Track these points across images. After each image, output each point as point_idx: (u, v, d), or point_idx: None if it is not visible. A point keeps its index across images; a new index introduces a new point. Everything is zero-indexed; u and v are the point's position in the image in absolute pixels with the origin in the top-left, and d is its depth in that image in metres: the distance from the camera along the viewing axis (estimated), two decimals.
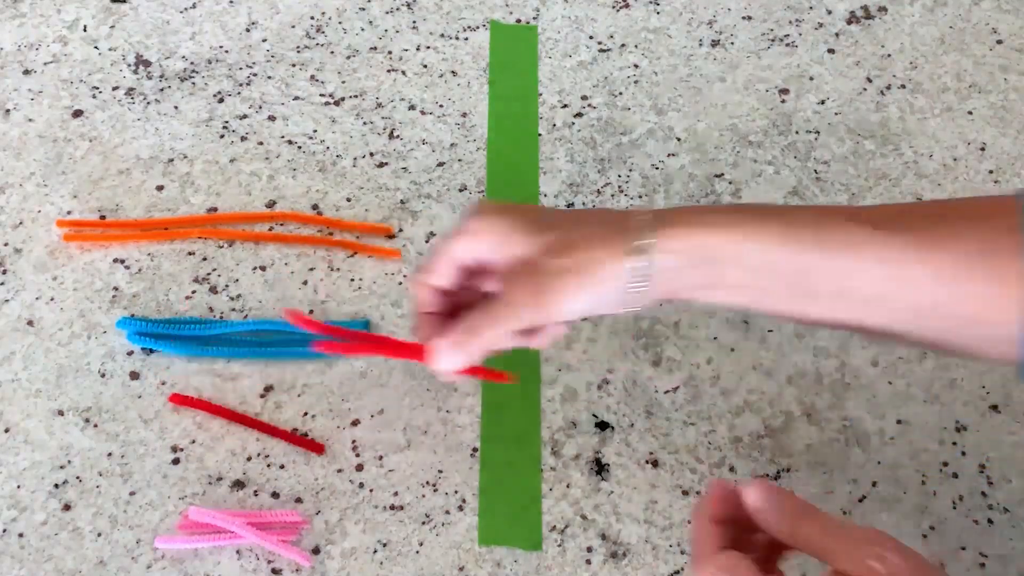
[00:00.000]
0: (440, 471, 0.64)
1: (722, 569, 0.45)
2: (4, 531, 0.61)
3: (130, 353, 0.68)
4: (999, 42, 0.86)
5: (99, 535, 0.61)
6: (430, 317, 0.56)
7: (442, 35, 0.86)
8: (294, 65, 0.83)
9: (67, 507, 0.62)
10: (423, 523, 0.62)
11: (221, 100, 0.81)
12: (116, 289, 0.71)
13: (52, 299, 0.70)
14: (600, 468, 0.64)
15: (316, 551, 0.60)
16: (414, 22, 0.86)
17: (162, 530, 0.61)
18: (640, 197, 0.76)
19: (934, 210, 0.55)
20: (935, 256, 0.50)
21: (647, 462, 0.64)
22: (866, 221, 0.51)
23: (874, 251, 0.51)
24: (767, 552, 0.49)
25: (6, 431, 0.65)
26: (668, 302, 0.57)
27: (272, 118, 0.80)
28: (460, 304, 0.56)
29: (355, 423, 0.65)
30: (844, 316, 0.53)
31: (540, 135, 0.79)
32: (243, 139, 0.79)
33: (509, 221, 0.53)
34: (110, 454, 0.64)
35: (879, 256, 0.51)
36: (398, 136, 0.79)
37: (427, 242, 0.73)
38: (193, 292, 0.71)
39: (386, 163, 0.78)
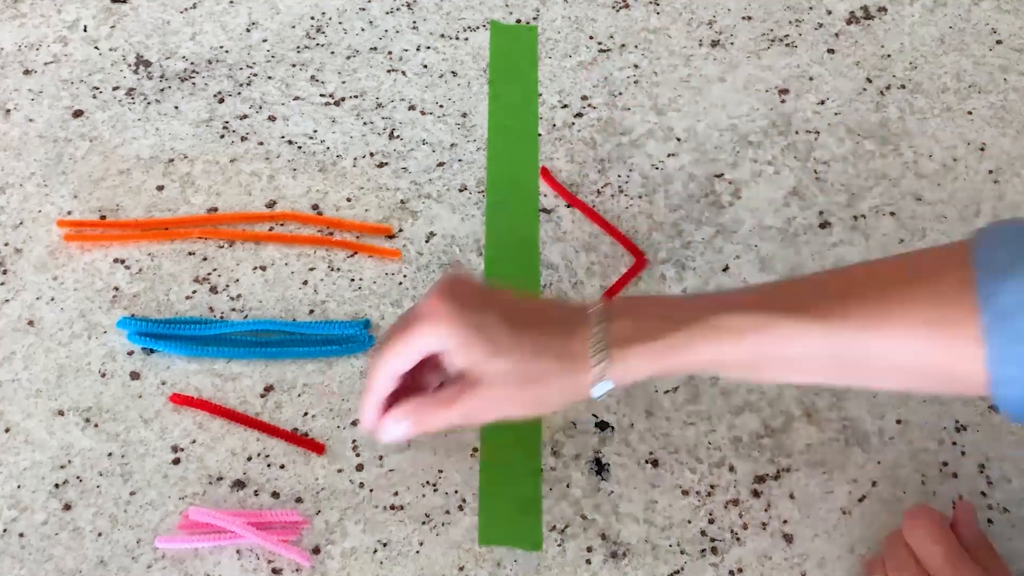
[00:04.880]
0: (440, 471, 0.64)
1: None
2: (4, 531, 0.61)
3: (130, 353, 0.68)
4: (999, 42, 0.86)
5: (99, 535, 0.61)
6: (382, 400, 0.57)
7: (442, 35, 0.86)
8: (294, 65, 0.83)
9: (67, 507, 0.62)
10: (423, 523, 0.62)
11: (221, 100, 0.81)
12: (116, 289, 0.71)
13: (52, 299, 0.70)
14: (600, 468, 0.64)
15: (316, 551, 0.61)
16: (414, 22, 0.86)
17: (162, 530, 0.61)
18: (640, 197, 0.76)
19: (883, 275, 0.54)
20: (890, 332, 0.51)
21: (647, 462, 0.64)
22: (809, 312, 0.52)
23: (820, 342, 0.52)
24: None
25: (6, 431, 0.65)
26: None
27: (272, 118, 0.80)
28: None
29: (355, 423, 0.65)
30: (805, 381, 0.59)
31: (540, 135, 0.80)
32: (243, 139, 0.79)
33: (467, 338, 0.54)
34: (110, 454, 0.64)
35: (827, 346, 0.52)
36: (398, 136, 0.79)
37: (427, 242, 0.73)
38: (193, 292, 0.71)
39: (386, 163, 0.78)
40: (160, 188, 0.76)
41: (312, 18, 0.86)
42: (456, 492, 0.63)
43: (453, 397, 0.55)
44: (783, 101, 0.82)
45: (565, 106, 0.81)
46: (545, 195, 0.76)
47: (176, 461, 0.64)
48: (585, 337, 0.53)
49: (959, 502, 0.62)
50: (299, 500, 0.62)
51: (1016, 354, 0.48)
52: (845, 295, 0.52)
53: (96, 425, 0.65)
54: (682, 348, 0.53)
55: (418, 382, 0.58)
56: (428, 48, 0.85)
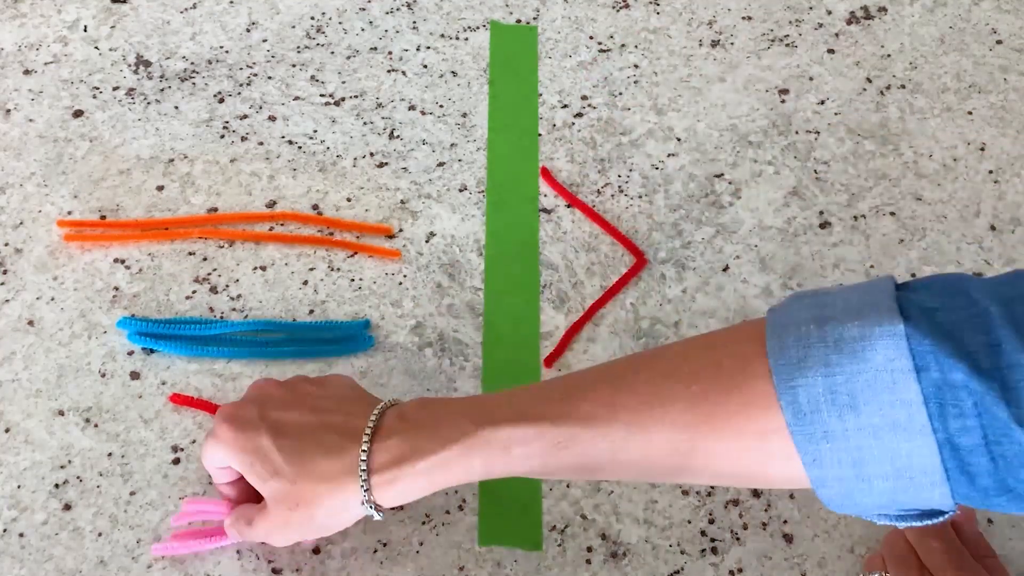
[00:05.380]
0: None
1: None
2: (4, 531, 0.61)
3: (130, 353, 0.68)
4: (999, 42, 0.86)
5: (99, 535, 0.61)
6: (226, 486, 0.60)
7: (442, 35, 0.86)
8: (294, 65, 0.83)
9: (67, 507, 0.62)
10: (423, 523, 0.62)
11: (221, 100, 0.81)
12: (116, 289, 0.71)
13: (52, 299, 0.70)
14: None
15: (316, 551, 0.61)
16: (414, 22, 0.86)
17: (163, 530, 0.61)
18: (640, 197, 0.76)
19: (658, 370, 0.51)
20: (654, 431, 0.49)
21: None
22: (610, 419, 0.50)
23: (625, 448, 0.50)
24: None
25: (6, 431, 0.65)
26: None
27: (272, 118, 0.80)
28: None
29: None
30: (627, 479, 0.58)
31: (540, 135, 0.80)
32: (243, 139, 0.79)
33: (245, 459, 0.55)
34: (110, 454, 0.64)
35: (629, 452, 0.50)
36: (398, 136, 0.79)
37: (427, 242, 0.73)
38: (193, 292, 0.71)
39: (386, 163, 0.78)
40: (160, 188, 0.76)
41: (312, 18, 0.86)
42: (456, 492, 0.63)
43: (253, 517, 0.57)
44: (783, 101, 0.82)
45: (565, 106, 0.81)
46: (545, 195, 0.76)
47: (176, 461, 0.64)
48: (355, 458, 0.53)
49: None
50: None
51: (819, 452, 0.45)
52: (620, 396, 0.50)
53: (96, 425, 0.65)
54: (453, 463, 0.52)
55: None
56: (428, 48, 0.85)
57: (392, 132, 0.79)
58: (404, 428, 0.54)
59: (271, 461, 0.55)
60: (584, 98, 0.82)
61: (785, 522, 0.62)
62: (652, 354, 0.56)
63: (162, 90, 0.81)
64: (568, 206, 0.76)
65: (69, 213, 0.74)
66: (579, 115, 0.81)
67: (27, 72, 0.82)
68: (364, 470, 0.53)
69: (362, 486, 0.53)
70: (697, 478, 0.51)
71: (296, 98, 0.81)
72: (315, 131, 0.79)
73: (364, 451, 0.53)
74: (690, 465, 0.49)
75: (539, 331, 0.69)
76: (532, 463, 0.52)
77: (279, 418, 0.56)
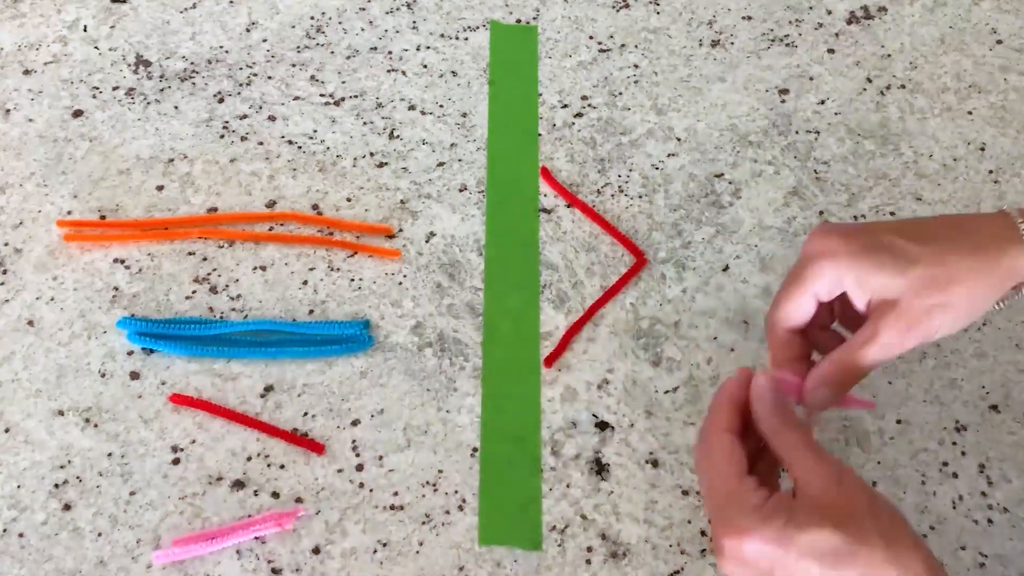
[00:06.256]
0: (440, 471, 0.64)
1: (720, 451, 0.50)
2: (4, 531, 0.61)
3: (130, 353, 0.68)
4: (999, 42, 0.86)
5: (99, 535, 0.61)
6: (787, 353, 0.55)
7: (442, 35, 0.86)
8: (294, 65, 0.83)
9: (67, 507, 0.62)
10: (423, 523, 0.62)
11: (221, 100, 0.81)
12: (116, 289, 0.71)
13: (52, 299, 0.70)
14: (600, 468, 0.64)
15: (316, 551, 0.61)
16: (414, 22, 0.86)
17: (163, 529, 0.61)
18: (640, 197, 0.76)
19: None
20: None
21: (647, 462, 0.64)
22: None
23: None
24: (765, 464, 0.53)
25: (6, 431, 0.65)
26: None
27: (272, 118, 0.80)
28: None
29: (355, 423, 0.65)
30: None
31: (540, 135, 0.80)
32: (243, 139, 0.79)
33: (870, 259, 0.52)
34: (110, 454, 0.64)
35: None
36: (398, 136, 0.79)
37: (427, 242, 0.73)
38: (193, 292, 0.71)
39: (386, 163, 0.78)
40: (160, 188, 0.76)
41: (312, 18, 0.86)
42: (456, 492, 0.63)
43: (872, 332, 0.51)
44: (783, 101, 0.82)
45: (565, 106, 0.81)
46: (545, 195, 0.76)
47: (176, 461, 0.64)
48: (993, 231, 0.51)
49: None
50: (299, 500, 0.62)
51: None
52: None
53: (96, 425, 0.65)
54: None
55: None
56: (428, 48, 0.85)
57: (392, 132, 0.79)
58: None
59: (902, 250, 0.51)
60: (584, 98, 0.82)
61: None
62: None
63: (162, 90, 0.81)
64: (568, 206, 0.76)
65: (69, 213, 0.74)
66: (579, 115, 0.81)
67: (27, 72, 0.82)
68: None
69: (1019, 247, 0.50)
70: None
71: (296, 98, 0.81)
72: (315, 131, 0.79)
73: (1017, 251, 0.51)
74: None
75: (539, 331, 0.69)
76: None
77: (882, 223, 0.53)
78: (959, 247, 0.51)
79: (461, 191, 0.76)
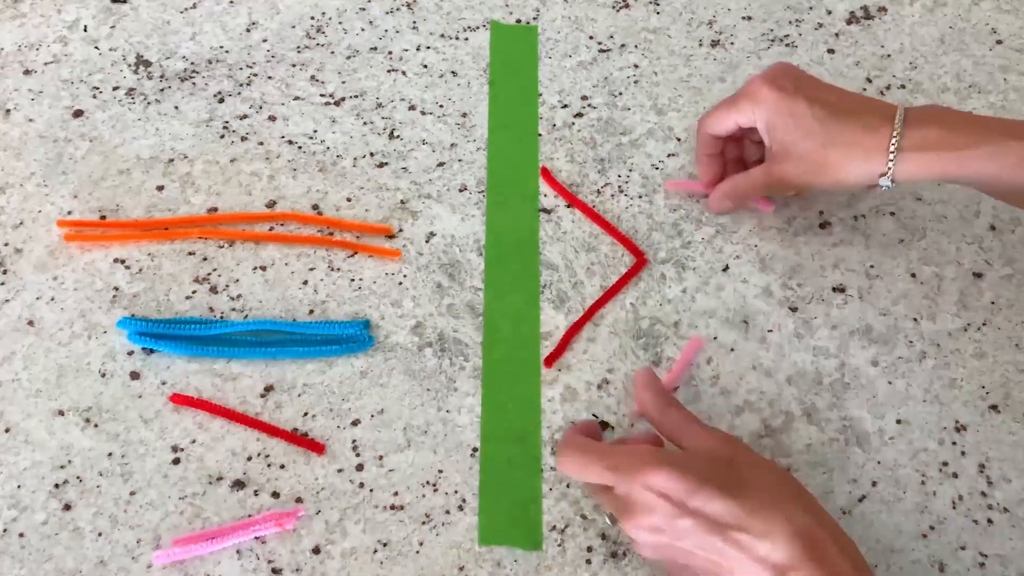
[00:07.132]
0: (440, 471, 0.64)
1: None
2: (4, 531, 0.61)
3: (130, 353, 0.68)
4: (999, 42, 0.86)
5: (99, 535, 0.61)
6: (709, 159, 0.73)
7: (442, 35, 0.86)
8: (294, 65, 0.83)
9: (67, 507, 0.62)
10: (423, 523, 0.62)
11: (221, 100, 0.81)
12: (116, 289, 0.71)
13: (52, 299, 0.70)
14: None
15: (316, 551, 0.61)
16: (414, 22, 0.86)
17: (163, 529, 0.61)
18: (640, 197, 0.76)
19: None
20: None
21: None
22: None
23: None
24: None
25: (6, 431, 0.65)
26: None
27: (272, 118, 0.80)
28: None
29: (355, 423, 0.65)
30: None
31: (540, 135, 0.80)
32: (243, 139, 0.79)
33: (783, 120, 0.66)
34: (110, 454, 0.64)
35: None
36: (398, 136, 0.79)
37: (427, 242, 0.73)
38: (193, 292, 0.71)
39: (386, 163, 0.78)
40: (160, 188, 0.76)
41: (312, 18, 0.86)
42: (456, 492, 0.63)
43: (763, 170, 0.69)
44: None
45: (565, 106, 0.81)
46: (545, 195, 0.76)
47: (176, 461, 0.64)
48: (884, 136, 0.63)
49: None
50: (299, 500, 0.62)
51: None
52: None
53: (96, 425, 0.65)
54: (974, 162, 0.62)
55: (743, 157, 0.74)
56: (428, 48, 0.85)
57: (392, 132, 0.79)
58: (935, 121, 0.63)
59: (805, 126, 0.65)
60: (584, 98, 0.82)
61: None
62: None
63: (162, 90, 0.81)
64: (568, 206, 0.76)
65: (69, 213, 0.74)
66: (579, 115, 0.81)
67: (27, 72, 0.82)
68: (896, 147, 0.63)
69: (890, 159, 0.63)
70: None
71: (296, 98, 0.81)
72: (315, 131, 0.79)
73: (897, 132, 0.63)
74: None
75: (539, 331, 0.70)
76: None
77: (814, 86, 0.67)
78: (846, 142, 0.64)
79: (461, 191, 0.76)
